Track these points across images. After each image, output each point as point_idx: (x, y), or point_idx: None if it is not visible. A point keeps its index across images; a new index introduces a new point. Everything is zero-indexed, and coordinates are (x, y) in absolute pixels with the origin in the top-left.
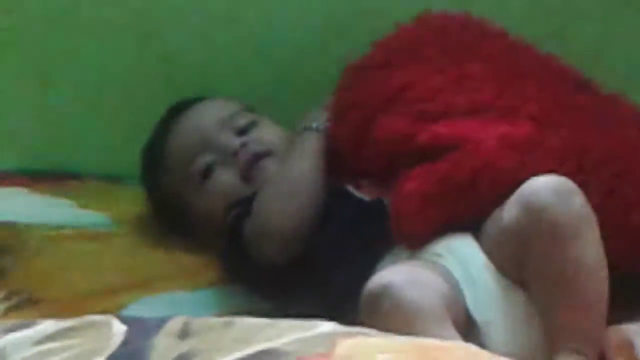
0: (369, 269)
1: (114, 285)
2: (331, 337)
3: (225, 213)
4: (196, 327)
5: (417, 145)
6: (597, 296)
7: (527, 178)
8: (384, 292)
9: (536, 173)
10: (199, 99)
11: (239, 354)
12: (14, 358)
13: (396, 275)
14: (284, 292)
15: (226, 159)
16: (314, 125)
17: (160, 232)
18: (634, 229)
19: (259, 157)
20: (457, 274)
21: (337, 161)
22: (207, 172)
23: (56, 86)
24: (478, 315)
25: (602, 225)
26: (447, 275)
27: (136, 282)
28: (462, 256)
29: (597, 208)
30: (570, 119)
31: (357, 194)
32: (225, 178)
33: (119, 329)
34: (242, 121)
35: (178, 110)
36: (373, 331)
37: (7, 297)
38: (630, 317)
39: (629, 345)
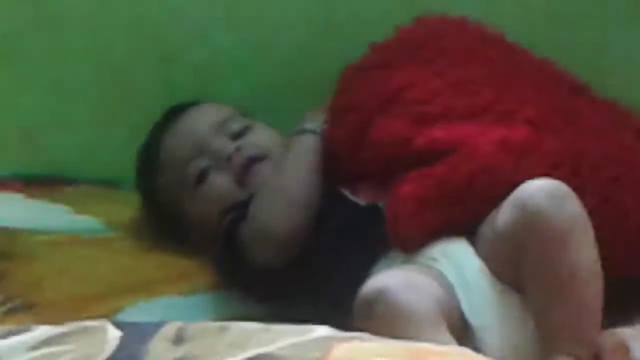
0: (364, 273)
1: (109, 290)
2: (326, 342)
3: (220, 217)
4: (191, 332)
5: (415, 148)
6: (592, 299)
7: (523, 182)
8: (378, 297)
9: (532, 177)
10: (193, 104)
11: (234, 359)
12: None
13: (391, 279)
14: (279, 297)
15: (220, 163)
16: (311, 127)
17: (156, 237)
18: (630, 234)
19: (253, 161)
20: (452, 278)
21: (334, 164)
22: (201, 177)
23: (52, 91)
24: (473, 319)
25: (598, 230)
26: (442, 280)
27: (131, 286)
28: (457, 260)
29: (593, 212)
30: (567, 124)
31: (353, 198)
32: (220, 182)
33: (113, 334)
34: (237, 125)
35: (172, 114)
36: (368, 335)
37: (2, 303)
38: (625, 321)
39: (624, 349)
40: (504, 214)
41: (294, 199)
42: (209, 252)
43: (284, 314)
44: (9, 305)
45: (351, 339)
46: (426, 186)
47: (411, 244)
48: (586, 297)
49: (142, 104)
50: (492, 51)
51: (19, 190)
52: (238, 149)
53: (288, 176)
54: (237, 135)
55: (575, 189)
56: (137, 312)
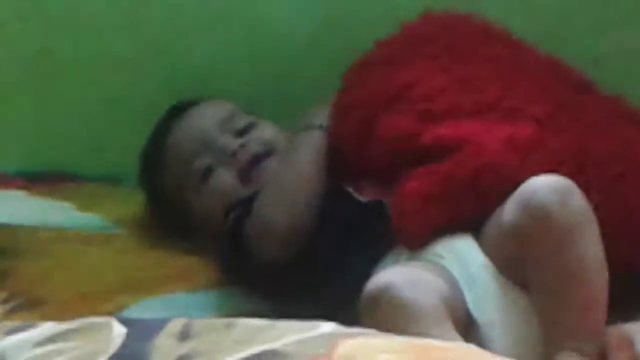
0: (369, 270)
1: (113, 287)
2: (332, 338)
3: (225, 214)
4: (196, 328)
5: (420, 145)
6: (597, 295)
7: (528, 179)
8: (383, 293)
9: (538, 174)
10: (197, 101)
11: (239, 355)
12: None
13: (396, 276)
14: (283, 293)
15: (225, 160)
16: (317, 123)
17: (160, 234)
18: (635, 230)
19: (258, 158)
20: (457, 274)
21: (339, 160)
22: (206, 174)
23: (55, 87)
24: (478, 315)
25: (603, 226)
26: (447, 276)
27: (136, 283)
28: (462, 256)
29: (598, 209)
30: (572, 121)
31: (356, 195)
32: (225, 179)
33: (119, 330)
34: (241, 122)
35: (177, 111)
36: (373, 332)
37: (7, 300)
38: (630, 317)
39: (629, 344)
40: (509, 210)
41: (299, 196)
42: (214, 248)
43: (288, 310)
44: (13, 302)
45: (356, 335)
46: (432, 183)
47: (416, 241)
48: (591, 293)
49: (142, 104)
50: (498, 48)
51: (22, 188)
52: (243, 146)
53: (293, 172)
54: (241, 132)
55: (581, 185)
56: (141, 310)
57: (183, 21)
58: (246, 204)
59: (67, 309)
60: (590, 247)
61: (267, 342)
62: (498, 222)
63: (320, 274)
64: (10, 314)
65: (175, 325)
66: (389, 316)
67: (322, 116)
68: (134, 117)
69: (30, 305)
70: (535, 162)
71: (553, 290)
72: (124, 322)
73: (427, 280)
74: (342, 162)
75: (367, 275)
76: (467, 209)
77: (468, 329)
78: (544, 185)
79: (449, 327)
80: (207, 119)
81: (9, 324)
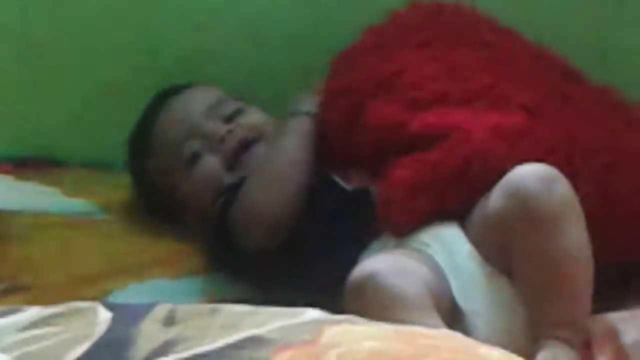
0: (355, 257)
1: (99, 272)
2: (317, 325)
3: (212, 200)
4: (182, 314)
5: (408, 133)
6: (581, 283)
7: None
8: (368, 281)
9: (525, 163)
10: (186, 86)
11: (224, 341)
12: None
13: (381, 264)
14: (269, 280)
15: (213, 145)
16: (304, 109)
17: (147, 219)
18: (622, 221)
19: (245, 144)
20: (443, 262)
21: (326, 147)
22: (193, 159)
23: (41, 73)
24: (463, 303)
25: (590, 216)
26: (432, 264)
27: (122, 269)
28: (448, 245)
29: (586, 199)
30: (561, 110)
31: (342, 183)
32: (212, 165)
33: (104, 315)
34: (229, 108)
35: (165, 96)
36: (359, 319)
37: None
38: (615, 307)
39: (613, 334)
40: (494, 199)
41: (285, 182)
42: (201, 234)
43: (274, 297)
44: None
45: (342, 322)
46: (419, 171)
47: (402, 229)
48: (576, 281)
49: (130, 89)
50: (487, 36)
51: (8, 172)
52: (230, 132)
53: (280, 159)
54: (229, 118)
55: (569, 175)
56: (127, 295)
57: (174, 11)
58: (233, 190)
59: (52, 293)
60: (576, 236)
61: (252, 327)
62: (484, 211)
63: (306, 261)
64: None
65: (161, 310)
66: (373, 304)
67: (309, 102)
68: (121, 103)
69: (16, 290)
70: (523, 150)
71: (538, 279)
72: (110, 307)
73: (412, 269)
74: (329, 149)
75: (353, 262)
76: (454, 198)
77: (453, 317)
78: (529, 174)
79: (433, 316)
80: (195, 104)
81: None
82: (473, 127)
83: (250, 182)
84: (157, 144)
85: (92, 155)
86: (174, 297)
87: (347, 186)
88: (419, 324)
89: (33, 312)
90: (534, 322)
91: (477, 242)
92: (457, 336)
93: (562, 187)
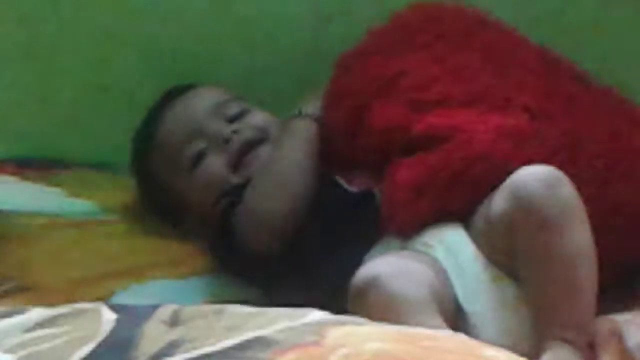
0: (358, 259)
1: (103, 273)
2: (321, 326)
3: (215, 201)
4: (186, 314)
5: (411, 135)
6: (586, 285)
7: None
8: (371, 283)
9: (528, 164)
10: (190, 87)
11: (229, 342)
12: (2, 345)
13: (384, 266)
14: (273, 281)
15: (217, 146)
16: (308, 111)
17: (150, 220)
18: (625, 221)
19: (250, 145)
20: (446, 264)
21: (330, 149)
22: (198, 160)
23: (44, 74)
24: (467, 305)
25: (593, 217)
26: (436, 266)
27: (125, 270)
28: (452, 246)
29: (589, 200)
30: (564, 111)
31: (346, 186)
32: (216, 165)
33: (108, 316)
34: (234, 109)
35: (170, 97)
36: (363, 320)
37: None
38: (618, 308)
39: (617, 335)
40: (498, 200)
41: (290, 185)
42: (204, 235)
43: (278, 298)
44: (2, 287)
45: (346, 323)
46: (422, 173)
47: (406, 230)
48: (580, 283)
49: (132, 90)
50: (490, 37)
51: (13, 173)
52: (236, 132)
53: (284, 161)
54: (234, 118)
55: (572, 176)
56: (131, 296)
57: (174, 13)
58: (237, 191)
59: (56, 294)
60: (580, 237)
61: (256, 328)
62: (488, 212)
63: (310, 263)
64: None
65: (165, 311)
66: (376, 307)
67: (313, 104)
68: (126, 104)
69: (19, 291)
70: (526, 152)
71: (541, 280)
72: (114, 308)
73: (415, 271)
74: (332, 151)
75: (356, 264)
76: (457, 199)
77: (457, 319)
78: (533, 176)
79: (436, 317)
80: (200, 104)
81: None
82: (476, 128)
83: (254, 185)
84: (162, 144)
85: (95, 156)
86: (176, 298)
87: (351, 188)
88: (421, 326)
89: (38, 313)
90: (538, 324)
91: (480, 243)
92: (460, 337)
93: (566, 189)
